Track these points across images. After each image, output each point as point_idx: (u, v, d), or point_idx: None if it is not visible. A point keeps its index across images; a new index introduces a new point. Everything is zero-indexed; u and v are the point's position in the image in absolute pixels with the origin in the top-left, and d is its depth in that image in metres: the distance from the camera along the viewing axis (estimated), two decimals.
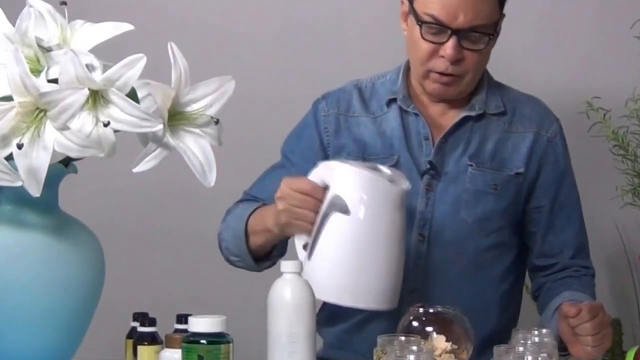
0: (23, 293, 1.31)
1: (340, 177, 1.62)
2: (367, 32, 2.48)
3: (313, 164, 1.80)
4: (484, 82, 1.91)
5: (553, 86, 2.35)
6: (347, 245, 1.59)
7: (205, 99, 1.35)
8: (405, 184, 1.65)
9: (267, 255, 1.86)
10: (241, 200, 1.93)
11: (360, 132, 1.90)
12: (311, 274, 1.54)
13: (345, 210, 1.59)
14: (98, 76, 1.28)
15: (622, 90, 2.30)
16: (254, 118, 2.35)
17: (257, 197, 1.91)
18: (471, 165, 1.86)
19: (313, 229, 1.63)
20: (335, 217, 1.60)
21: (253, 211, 1.84)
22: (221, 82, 1.36)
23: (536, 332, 1.55)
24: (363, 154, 1.87)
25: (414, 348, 1.42)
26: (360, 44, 2.47)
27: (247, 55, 2.49)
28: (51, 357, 1.35)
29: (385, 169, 1.69)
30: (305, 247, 1.66)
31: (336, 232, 1.60)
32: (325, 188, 1.64)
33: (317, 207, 1.64)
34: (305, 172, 1.83)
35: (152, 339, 1.65)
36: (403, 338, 1.47)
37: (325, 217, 1.61)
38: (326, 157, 1.88)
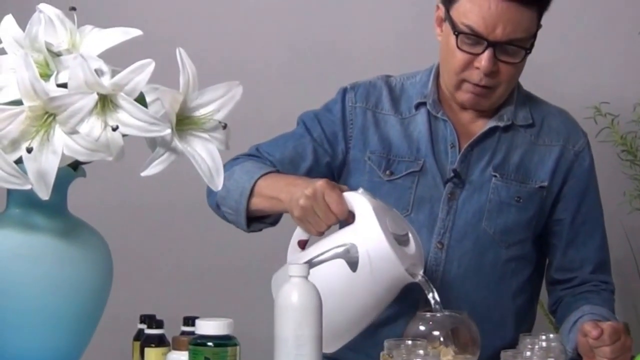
0: (31, 295, 1.32)
1: (370, 235, 1.57)
2: (374, 45, 2.49)
3: (331, 148, 1.86)
4: (514, 93, 1.89)
5: (561, 91, 2.35)
6: (330, 288, 1.54)
7: (213, 104, 1.36)
8: (419, 277, 1.59)
9: (260, 218, 1.81)
10: (250, 155, 1.88)
11: (387, 130, 1.88)
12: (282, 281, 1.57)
13: (352, 265, 1.56)
14: (107, 81, 1.29)
15: (630, 95, 2.30)
16: (262, 122, 2.35)
17: (267, 158, 1.86)
18: (495, 175, 1.85)
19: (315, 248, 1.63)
20: (339, 262, 1.57)
21: (266, 173, 1.78)
22: (229, 87, 1.37)
23: (543, 337, 1.55)
24: (388, 155, 1.86)
25: (421, 352, 1.43)
26: (367, 54, 2.48)
27: (255, 60, 2.49)
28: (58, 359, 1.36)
29: (413, 241, 1.63)
30: (299, 243, 1.67)
31: (331, 272, 1.57)
32: (353, 213, 1.61)
33: (334, 223, 1.63)
34: (322, 152, 1.85)
35: (160, 341, 1.65)
36: (410, 342, 1.47)
37: (333, 257, 1.58)
38: (347, 149, 1.88)
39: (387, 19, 2.49)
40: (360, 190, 1.64)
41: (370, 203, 1.60)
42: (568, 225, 1.89)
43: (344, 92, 1.92)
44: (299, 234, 1.69)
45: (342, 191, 1.63)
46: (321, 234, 1.64)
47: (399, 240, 1.60)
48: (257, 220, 1.82)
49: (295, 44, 2.50)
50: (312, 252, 1.62)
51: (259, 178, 1.77)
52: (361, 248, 1.56)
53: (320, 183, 1.62)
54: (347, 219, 1.61)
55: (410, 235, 1.64)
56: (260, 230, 1.86)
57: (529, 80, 1.93)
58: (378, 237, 1.56)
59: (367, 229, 1.57)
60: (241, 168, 1.81)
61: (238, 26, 2.53)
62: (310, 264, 1.57)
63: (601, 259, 1.91)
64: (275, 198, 1.72)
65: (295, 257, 1.65)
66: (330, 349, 1.64)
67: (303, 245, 1.68)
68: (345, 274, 1.57)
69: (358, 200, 1.61)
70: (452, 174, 1.85)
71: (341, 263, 1.58)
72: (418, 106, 1.89)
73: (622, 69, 2.43)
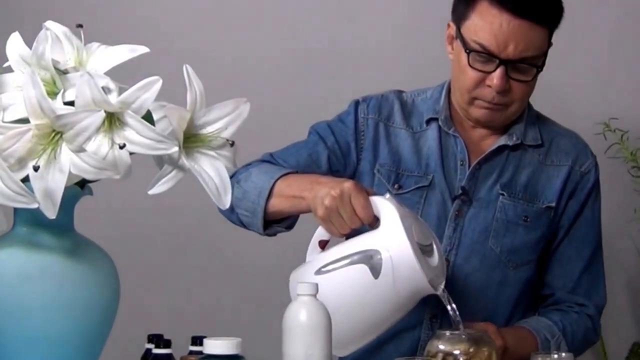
0: (38, 315, 1.31)
1: (395, 242, 1.54)
2: (379, 57, 2.49)
3: (343, 158, 1.85)
4: (525, 112, 1.88)
5: (570, 107, 2.34)
6: (349, 294, 1.54)
7: (221, 121, 1.35)
8: (440, 289, 1.56)
9: (276, 221, 1.78)
10: (264, 161, 1.85)
11: (397, 144, 1.88)
12: (300, 279, 1.54)
13: (375, 273, 1.54)
14: (114, 99, 1.28)
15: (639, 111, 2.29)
16: (269, 139, 2.35)
17: (281, 164, 1.84)
18: (503, 194, 1.84)
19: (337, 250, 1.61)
20: (361, 267, 1.55)
21: (286, 174, 1.75)
22: (236, 104, 1.36)
23: (555, 356, 1.54)
24: (397, 169, 1.86)
25: None
26: (374, 69, 2.48)
27: (262, 77, 2.49)
28: None
29: (436, 252, 1.61)
30: (320, 243, 1.64)
31: (350, 277, 1.56)
32: (378, 218, 1.59)
33: (359, 227, 1.60)
34: (335, 161, 1.85)
35: None
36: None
37: (355, 261, 1.56)
38: (358, 160, 1.87)
39: (389, 24, 2.49)
40: (387, 195, 1.61)
41: (398, 210, 1.57)
42: (559, 241, 1.88)
43: (356, 104, 1.91)
44: (320, 233, 1.66)
45: (369, 194, 1.61)
46: (343, 236, 1.62)
47: (424, 250, 1.58)
48: (273, 223, 1.79)
49: (306, 62, 2.50)
50: (332, 253, 1.60)
51: (278, 179, 1.74)
52: (385, 255, 1.54)
53: (348, 185, 1.59)
54: (372, 223, 1.59)
55: (434, 245, 1.62)
56: (275, 234, 1.83)
57: (538, 97, 1.92)
58: (403, 245, 1.53)
59: (393, 236, 1.55)
60: (258, 170, 1.78)
61: (246, 44, 2.53)
62: (331, 266, 1.56)
63: (586, 280, 1.88)
64: (297, 197, 1.68)
65: (315, 257, 1.63)
66: (342, 352, 1.63)
67: (323, 245, 1.66)
68: (365, 280, 1.55)
69: (385, 206, 1.58)
70: (460, 191, 1.84)
71: (362, 268, 1.55)
72: (429, 122, 1.89)
73: (632, 84, 2.42)
